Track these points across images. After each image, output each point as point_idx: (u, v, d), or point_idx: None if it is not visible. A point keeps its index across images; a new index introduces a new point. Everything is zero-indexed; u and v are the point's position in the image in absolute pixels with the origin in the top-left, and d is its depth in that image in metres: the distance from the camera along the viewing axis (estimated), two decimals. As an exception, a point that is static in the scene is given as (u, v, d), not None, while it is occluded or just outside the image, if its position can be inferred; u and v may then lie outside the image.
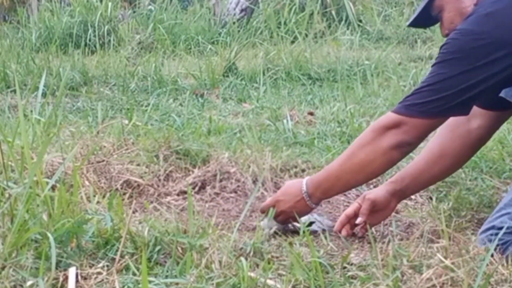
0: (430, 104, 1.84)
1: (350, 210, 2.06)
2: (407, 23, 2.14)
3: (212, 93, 4.30)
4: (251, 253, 1.75)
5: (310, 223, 2.03)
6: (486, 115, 2.06)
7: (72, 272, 1.56)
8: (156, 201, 2.34)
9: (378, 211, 2.05)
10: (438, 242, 1.82)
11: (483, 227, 1.84)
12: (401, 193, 2.08)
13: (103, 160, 2.48)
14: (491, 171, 2.54)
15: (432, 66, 1.89)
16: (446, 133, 2.08)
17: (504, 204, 1.84)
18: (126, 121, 3.03)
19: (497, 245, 1.69)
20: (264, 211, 2.04)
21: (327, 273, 1.66)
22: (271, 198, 2.08)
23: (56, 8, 6.56)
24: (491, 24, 1.82)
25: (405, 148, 1.91)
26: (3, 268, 1.56)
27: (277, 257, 1.78)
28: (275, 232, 2.00)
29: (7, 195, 1.73)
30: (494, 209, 1.89)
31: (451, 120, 2.07)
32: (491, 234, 1.79)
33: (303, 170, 2.61)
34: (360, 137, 1.97)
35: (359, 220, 2.02)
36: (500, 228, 1.75)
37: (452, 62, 1.83)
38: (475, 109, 2.05)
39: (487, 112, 2.05)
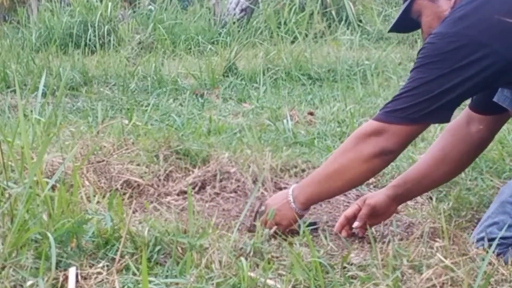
0: (410, 110, 1.82)
1: (349, 212, 2.05)
2: (388, 29, 2.13)
3: (212, 93, 4.30)
4: (251, 253, 1.75)
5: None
6: (484, 119, 2.06)
7: (72, 272, 1.56)
8: (156, 201, 2.34)
9: (378, 215, 2.05)
10: (438, 242, 1.82)
11: (475, 235, 1.84)
12: (402, 197, 2.09)
13: (103, 160, 2.48)
14: (491, 171, 2.54)
15: (411, 71, 1.87)
16: (448, 137, 2.08)
17: (492, 212, 1.84)
18: (126, 121, 3.03)
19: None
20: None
21: (327, 273, 1.66)
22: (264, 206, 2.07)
23: (56, 8, 6.56)
24: (465, 26, 1.80)
25: (387, 156, 1.89)
26: (3, 268, 1.56)
27: (277, 257, 1.78)
28: (275, 232, 2.00)
29: (7, 195, 1.73)
30: (485, 214, 1.89)
31: (452, 124, 2.06)
32: (483, 245, 1.78)
33: (303, 170, 2.62)
34: (343, 144, 1.96)
35: (356, 224, 2.03)
36: (490, 239, 1.75)
37: (429, 66, 1.81)
38: (473, 114, 2.05)
39: (484, 116, 2.05)
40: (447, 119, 1.87)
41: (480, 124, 2.05)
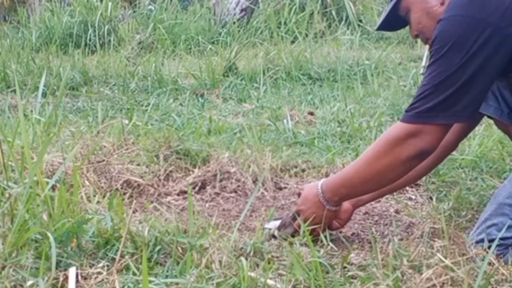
0: (439, 107, 1.77)
1: None
2: (375, 27, 2.11)
3: (212, 93, 4.31)
4: (251, 253, 1.75)
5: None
6: (457, 126, 2.06)
7: (72, 272, 1.56)
8: (156, 201, 2.34)
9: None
10: (438, 242, 1.82)
11: (473, 237, 1.84)
12: (357, 201, 2.08)
13: (103, 160, 2.49)
14: (491, 171, 2.54)
15: (429, 66, 1.81)
16: None
17: (489, 214, 1.83)
18: (126, 121, 3.03)
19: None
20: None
21: (327, 273, 1.66)
22: (295, 209, 2.03)
23: (56, 8, 6.56)
24: (475, 7, 1.77)
25: (426, 155, 1.85)
26: (3, 268, 1.56)
27: (277, 257, 1.78)
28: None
29: (7, 195, 1.73)
30: (481, 216, 1.89)
31: None
32: (482, 246, 1.78)
33: (303, 170, 2.62)
34: (373, 149, 1.89)
35: None
36: (490, 241, 1.75)
37: (448, 55, 1.77)
38: None
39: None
40: (473, 115, 1.83)
41: (452, 132, 2.03)
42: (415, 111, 1.81)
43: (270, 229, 2.01)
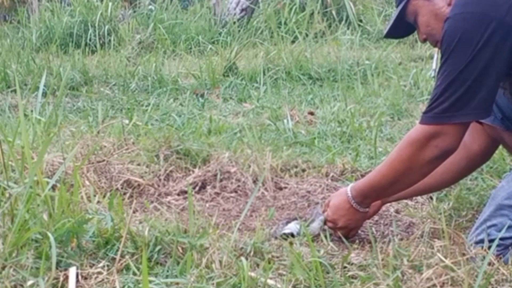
0: (456, 104, 1.78)
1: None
2: (384, 34, 2.12)
3: (212, 93, 4.30)
4: (252, 253, 1.76)
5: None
6: (480, 138, 2.09)
7: (72, 272, 1.56)
8: (156, 201, 2.34)
9: None
10: (438, 242, 1.82)
11: (472, 237, 1.84)
12: (387, 199, 2.12)
13: (104, 160, 2.49)
14: (492, 171, 2.54)
15: (441, 66, 1.83)
16: None
17: (488, 215, 1.83)
18: (127, 121, 3.03)
19: None
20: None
21: (328, 273, 1.66)
22: (327, 218, 2.05)
23: (57, 8, 6.56)
24: (480, 3, 1.79)
25: (448, 154, 1.87)
26: (3, 268, 1.56)
27: (277, 257, 1.78)
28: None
29: (7, 195, 1.73)
30: (479, 217, 1.89)
31: None
32: (482, 247, 1.78)
33: (303, 170, 2.62)
34: (396, 153, 1.92)
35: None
36: (490, 241, 1.75)
37: (456, 53, 1.78)
38: (470, 134, 2.05)
39: (481, 134, 2.08)
40: (489, 112, 1.84)
41: (477, 143, 2.09)
42: (432, 112, 1.82)
43: (292, 233, 2.00)
